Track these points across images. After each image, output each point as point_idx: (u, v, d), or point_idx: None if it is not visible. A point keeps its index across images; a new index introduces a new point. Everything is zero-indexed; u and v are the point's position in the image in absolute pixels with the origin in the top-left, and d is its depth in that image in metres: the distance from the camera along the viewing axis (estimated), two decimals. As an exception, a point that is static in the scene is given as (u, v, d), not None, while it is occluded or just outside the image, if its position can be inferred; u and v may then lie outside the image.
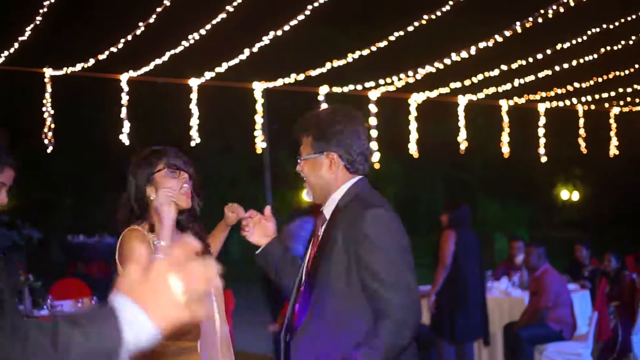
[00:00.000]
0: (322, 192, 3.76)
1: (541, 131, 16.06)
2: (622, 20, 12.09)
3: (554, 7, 10.78)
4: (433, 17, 11.21)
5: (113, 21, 13.67)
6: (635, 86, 15.02)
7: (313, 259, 3.70)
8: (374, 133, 13.80)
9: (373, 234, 3.50)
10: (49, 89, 11.59)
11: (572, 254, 12.50)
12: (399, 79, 13.38)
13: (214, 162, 27.78)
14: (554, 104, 16.01)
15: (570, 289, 10.71)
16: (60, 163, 25.27)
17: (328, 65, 12.81)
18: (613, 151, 17.28)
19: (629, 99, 16.39)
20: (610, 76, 14.45)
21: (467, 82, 14.00)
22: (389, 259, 3.50)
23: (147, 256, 1.73)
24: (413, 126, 14.47)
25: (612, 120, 17.07)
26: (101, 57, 11.50)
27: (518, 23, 11.34)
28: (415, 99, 14.49)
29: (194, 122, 12.56)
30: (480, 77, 13.85)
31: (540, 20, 11.12)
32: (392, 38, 12.04)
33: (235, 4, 10.49)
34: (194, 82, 12.50)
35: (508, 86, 14.40)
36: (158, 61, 11.89)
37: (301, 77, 12.97)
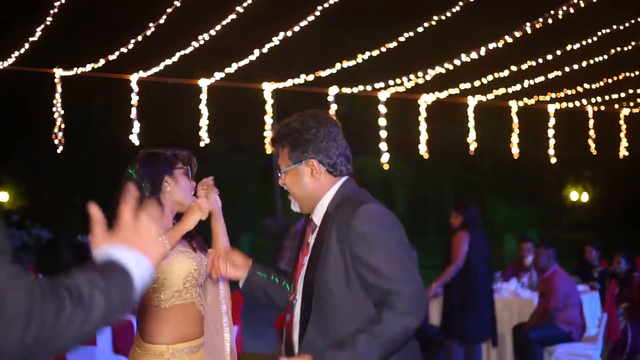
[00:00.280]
0: (309, 202, 3.62)
1: (551, 132, 16.03)
2: (632, 21, 12.07)
3: (564, 7, 10.76)
4: (443, 18, 11.20)
5: (123, 22, 13.72)
6: (645, 87, 15.00)
7: (307, 268, 3.55)
8: (383, 134, 13.80)
9: (368, 231, 3.35)
10: (59, 89, 11.62)
11: (582, 255, 12.48)
12: (409, 80, 13.38)
13: (224, 162, 27.81)
14: (564, 104, 15.99)
15: (580, 290, 10.69)
16: (69, 163, 25.32)
17: (338, 66, 12.81)
18: (623, 152, 17.24)
19: (639, 100, 16.36)
20: (620, 77, 14.43)
21: (476, 83, 13.99)
22: (388, 253, 3.35)
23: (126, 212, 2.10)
24: (423, 127, 14.46)
25: (622, 121, 17.04)
26: (111, 57, 11.52)
27: (528, 24, 11.33)
28: (425, 100, 14.48)
29: (204, 122, 12.57)
30: (490, 78, 13.84)
31: (550, 21, 11.11)
32: (401, 39, 12.04)
33: (245, 4, 10.50)
34: (203, 83, 12.52)
35: (518, 87, 14.39)
36: (168, 61, 11.91)
37: (311, 77, 12.97)
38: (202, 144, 12.64)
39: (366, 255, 3.34)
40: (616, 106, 16.64)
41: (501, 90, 14.61)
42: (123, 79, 12.18)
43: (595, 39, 12.54)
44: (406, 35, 11.96)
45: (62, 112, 11.70)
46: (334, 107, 13.38)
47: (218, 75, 12.48)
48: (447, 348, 9.77)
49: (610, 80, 14.56)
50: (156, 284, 4.15)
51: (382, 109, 13.84)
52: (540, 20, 11.17)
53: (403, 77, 13.40)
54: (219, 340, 4.49)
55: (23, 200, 28.56)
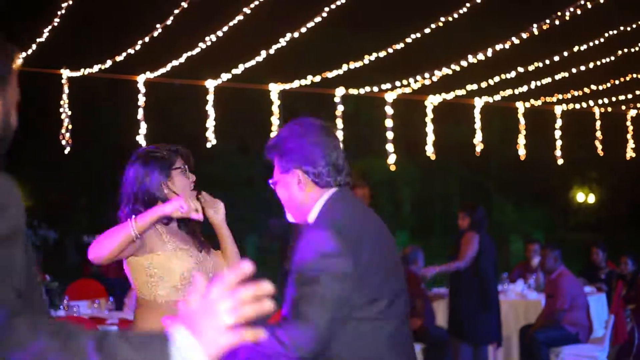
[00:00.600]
0: (298, 213, 3.54)
1: (557, 133, 16.01)
2: (640, 23, 12.06)
3: (571, 9, 10.76)
4: (450, 19, 11.20)
5: (130, 23, 13.73)
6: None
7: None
8: (389, 135, 13.81)
9: (300, 257, 3.26)
10: (66, 90, 11.64)
11: (588, 256, 12.47)
12: (415, 81, 13.37)
13: (230, 164, 27.83)
14: (571, 106, 15.96)
15: (587, 291, 10.69)
16: (76, 164, 25.36)
17: (344, 67, 12.81)
18: (630, 154, 17.21)
19: (646, 101, 16.34)
20: (627, 78, 14.40)
21: (483, 84, 13.97)
22: (306, 283, 3.22)
23: (203, 283, 1.82)
24: (429, 128, 14.45)
25: (628, 123, 17.00)
26: (118, 58, 11.53)
27: (535, 25, 11.32)
28: (432, 101, 14.47)
29: (210, 123, 12.58)
30: (496, 79, 13.82)
31: (557, 22, 11.10)
32: (408, 40, 12.04)
33: (252, 5, 10.51)
34: (210, 84, 12.53)
35: (524, 88, 14.36)
36: (175, 62, 11.92)
37: (317, 78, 12.97)
38: (208, 145, 12.65)
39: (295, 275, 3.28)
40: (623, 107, 16.61)
41: (508, 92, 14.59)
42: (130, 80, 12.20)
43: (602, 40, 12.53)
44: (413, 36, 11.96)
45: (69, 113, 11.72)
46: (340, 108, 13.39)
47: (225, 77, 12.48)
48: (455, 349, 9.77)
49: (617, 82, 14.53)
50: (154, 279, 4.18)
51: (389, 110, 13.84)
52: (547, 21, 11.16)
53: (410, 78, 13.39)
54: None
55: (30, 201, 28.63)
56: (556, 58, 13.02)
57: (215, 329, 1.76)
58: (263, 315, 1.81)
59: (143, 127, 12.00)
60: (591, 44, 12.64)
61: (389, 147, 13.88)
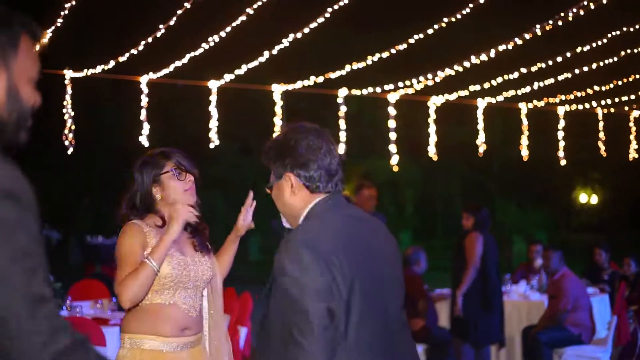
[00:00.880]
0: (290, 219, 3.45)
1: (560, 134, 16.01)
2: (643, 23, 12.06)
3: (574, 9, 10.75)
4: (453, 19, 11.20)
5: (133, 23, 13.74)
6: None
7: None
8: (392, 136, 13.81)
9: (277, 268, 3.14)
10: (69, 90, 11.64)
11: (591, 257, 12.46)
12: (418, 82, 13.36)
13: (233, 164, 27.87)
14: (574, 107, 15.96)
15: (589, 292, 10.68)
16: (79, 164, 25.39)
17: (347, 68, 12.81)
18: (632, 154, 17.20)
19: (649, 102, 16.33)
20: (630, 79, 14.40)
21: (486, 85, 13.97)
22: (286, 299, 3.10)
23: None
24: (432, 129, 14.44)
25: (631, 124, 16.99)
26: (121, 59, 11.54)
27: (538, 26, 11.32)
28: (435, 102, 14.47)
29: (213, 124, 12.58)
30: (499, 79, 13.82)
31: (560, 23, 11.10)
32: (411, 40, 12.04)
33: (255, 6, 10.52)
34: (213, 84, 12.53)
35: (527, 89, 14.36)
36: (178, 63, 11.92)
37: (320, 79, 12.97)
38: (211, 146, 12.66)
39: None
40: (626, 108, 16.60)
41: (511, 92, 14.58)
42: (133, 81, 12.21)
43: (605, 41, 12.52)
44: (416, 37, 11.96)
45: (72, 113, 11.73)
46: (343, 109, 13.40)
47: (228, 77, 12.49)
48: (457, 350, 9.77)
49: (620, 83, 14.53)
50: None
51: (392, 110, 13.84)
52: (550, 22, 11.16)
53: (412, 79, 13.39)
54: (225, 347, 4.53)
55: (32, 201, 28.60)
56: (559, 59, 13.02)
57: None
58: None
59: (146, 128, 12.00)
60: (594, 44, 12.64)
61: (392, 147, 13.89)
